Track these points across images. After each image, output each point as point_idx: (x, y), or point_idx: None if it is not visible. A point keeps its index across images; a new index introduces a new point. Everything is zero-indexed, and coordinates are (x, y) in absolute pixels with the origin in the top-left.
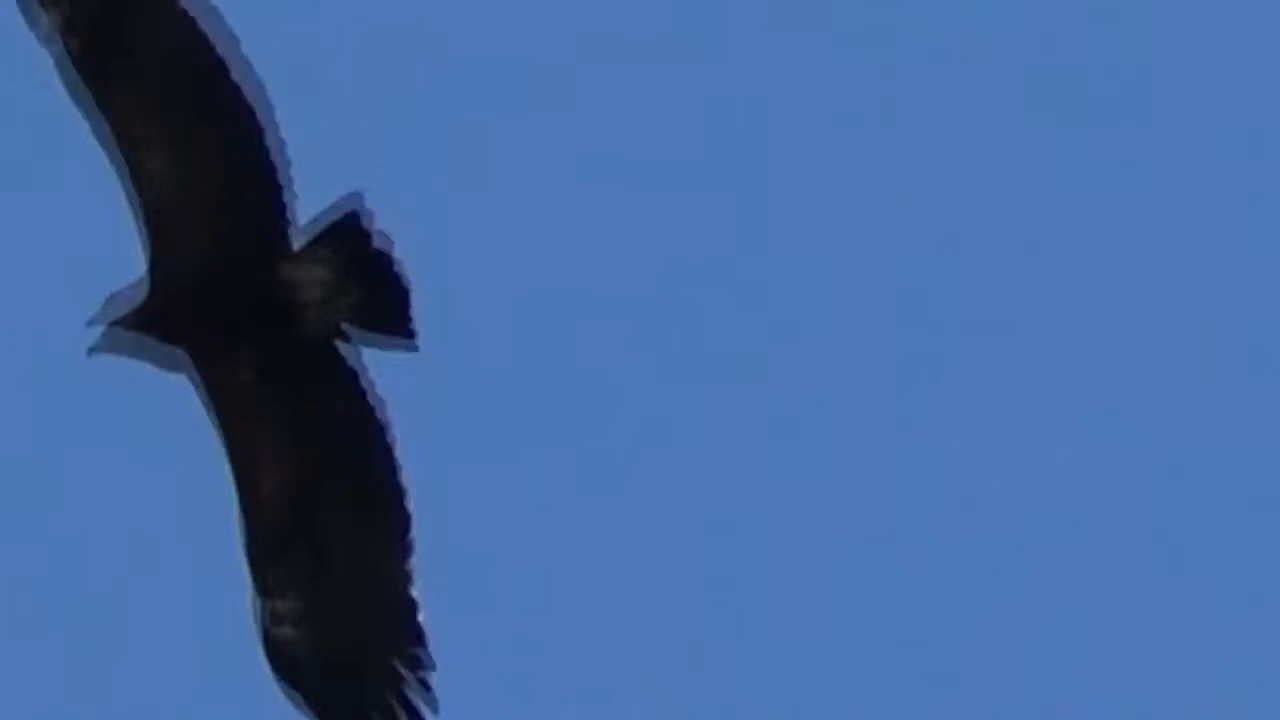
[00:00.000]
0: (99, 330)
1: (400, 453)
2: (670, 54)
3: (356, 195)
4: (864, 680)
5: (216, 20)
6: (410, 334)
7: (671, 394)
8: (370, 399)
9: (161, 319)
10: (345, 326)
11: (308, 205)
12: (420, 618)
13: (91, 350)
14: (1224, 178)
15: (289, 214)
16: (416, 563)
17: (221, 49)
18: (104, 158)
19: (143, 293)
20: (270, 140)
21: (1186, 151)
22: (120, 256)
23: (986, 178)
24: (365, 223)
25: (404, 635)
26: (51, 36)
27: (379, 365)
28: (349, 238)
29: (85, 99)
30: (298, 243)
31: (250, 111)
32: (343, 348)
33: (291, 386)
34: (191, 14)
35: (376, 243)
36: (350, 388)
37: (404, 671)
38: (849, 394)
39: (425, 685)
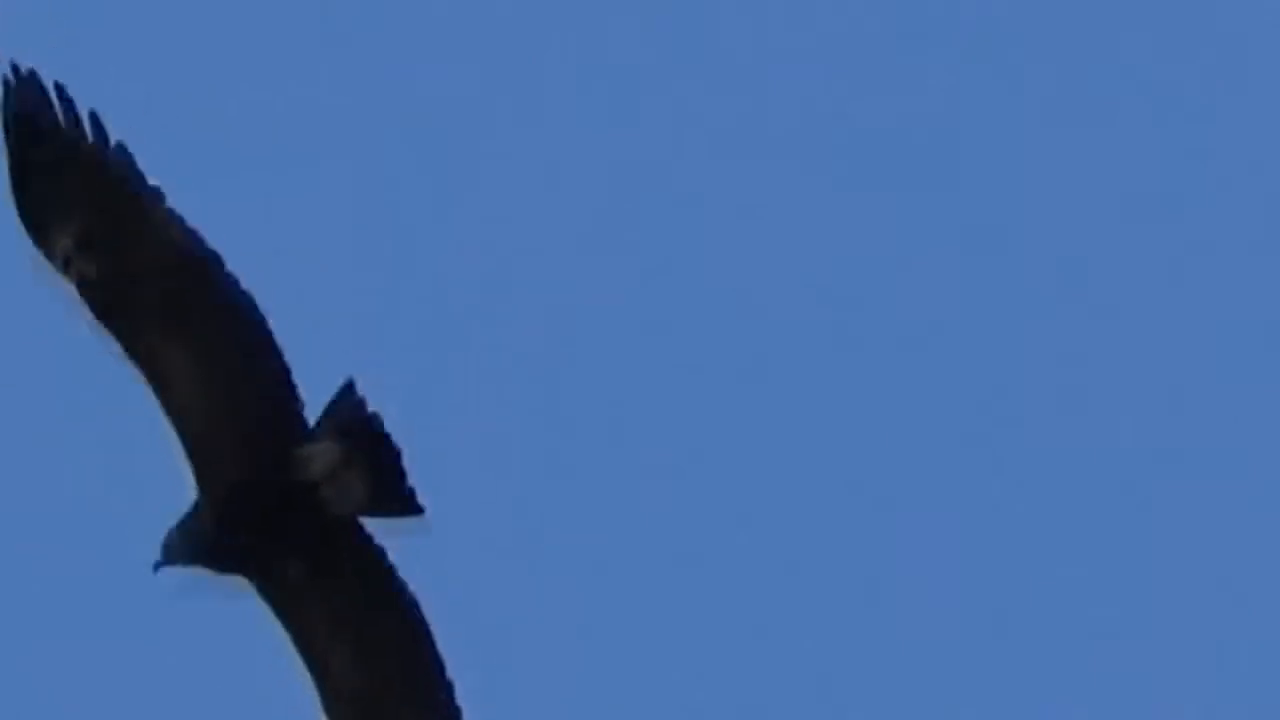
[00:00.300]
0: (165, 570)
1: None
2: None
3: (351, 383)
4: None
5: (192, 229)
6: (418, 507)
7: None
8: (400, 578)
9: (216, 546)
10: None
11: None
12: None
13: (169, 592)
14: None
15: (301, 408)
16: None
17: (206, 253)
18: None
19: (196, 522)
20: (272, 338)
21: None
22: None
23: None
24: (365, 405)
25: None
26: (67, 270)
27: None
28: (354, 421)
29: (109, 335)
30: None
31: (249, 312)
32: (368, 528)
33: (336, 578)
34: (173, 223)
35: (376, 422)
36: (386, 569)
37: None
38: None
39: None
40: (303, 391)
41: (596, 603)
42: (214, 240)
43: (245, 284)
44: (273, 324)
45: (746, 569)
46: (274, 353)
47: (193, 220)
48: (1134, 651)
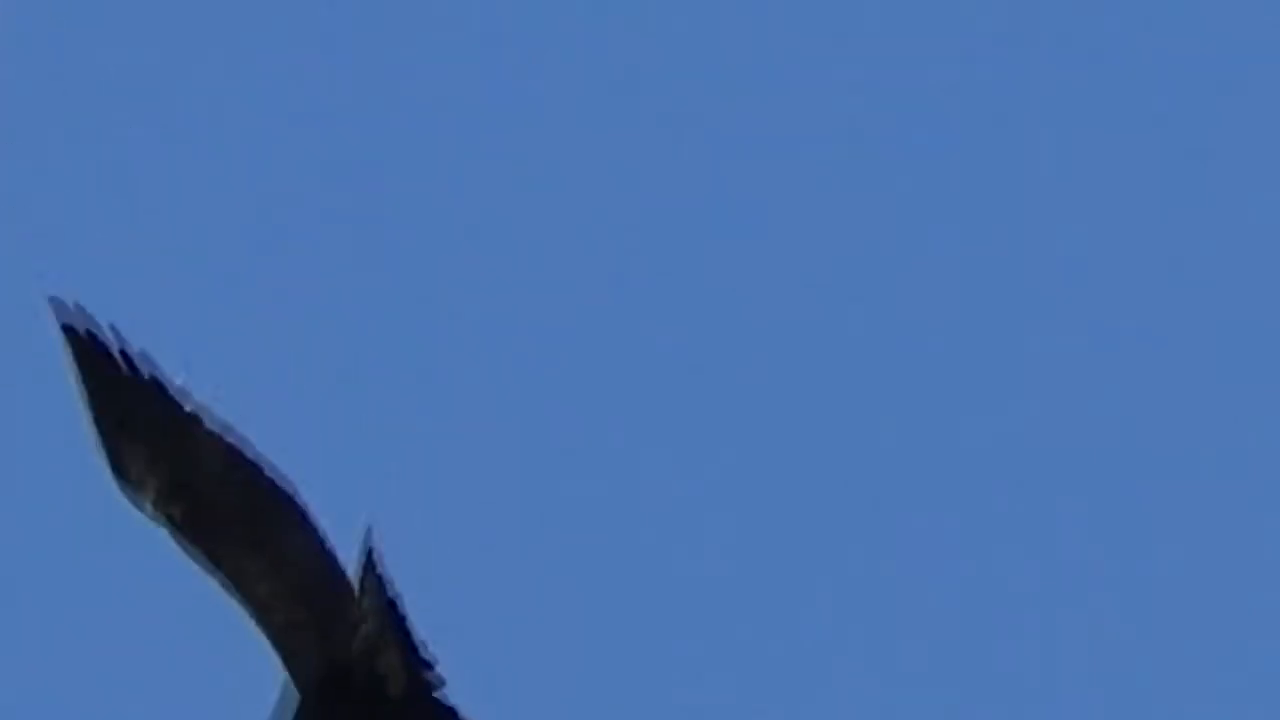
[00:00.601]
0: None
1: None
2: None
3: (370, 536)
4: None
5: (235, 441)
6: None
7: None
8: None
9: None
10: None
11: None
12: None
13: None
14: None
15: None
16: None
17: (251, 452)
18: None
19: (289, 713)
20: (316, 514)
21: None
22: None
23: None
24: (385, 575)
25: None
26: (156, 516)
27: None
28: (379, 587)
29: (198, 560)
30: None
31: (295, 497)
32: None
33: None
34: (220, 432)
35: (398, 598)
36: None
37: None
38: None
39: None
40: (301, 394)
41: (594, 603)
42: (213, 241)
43: (246, 287)
44: (271, 326)
45: (746, 569)
46: (315, 524)
47: (190, 219)
48: (1134, 651)
